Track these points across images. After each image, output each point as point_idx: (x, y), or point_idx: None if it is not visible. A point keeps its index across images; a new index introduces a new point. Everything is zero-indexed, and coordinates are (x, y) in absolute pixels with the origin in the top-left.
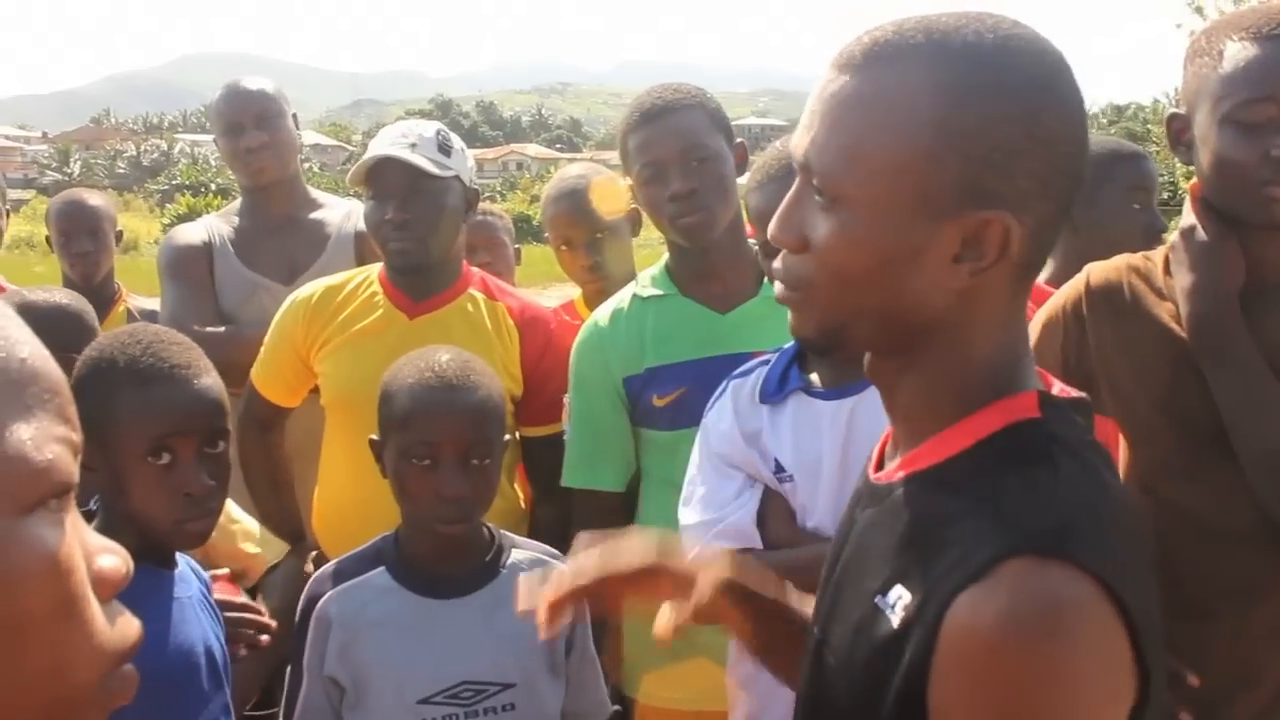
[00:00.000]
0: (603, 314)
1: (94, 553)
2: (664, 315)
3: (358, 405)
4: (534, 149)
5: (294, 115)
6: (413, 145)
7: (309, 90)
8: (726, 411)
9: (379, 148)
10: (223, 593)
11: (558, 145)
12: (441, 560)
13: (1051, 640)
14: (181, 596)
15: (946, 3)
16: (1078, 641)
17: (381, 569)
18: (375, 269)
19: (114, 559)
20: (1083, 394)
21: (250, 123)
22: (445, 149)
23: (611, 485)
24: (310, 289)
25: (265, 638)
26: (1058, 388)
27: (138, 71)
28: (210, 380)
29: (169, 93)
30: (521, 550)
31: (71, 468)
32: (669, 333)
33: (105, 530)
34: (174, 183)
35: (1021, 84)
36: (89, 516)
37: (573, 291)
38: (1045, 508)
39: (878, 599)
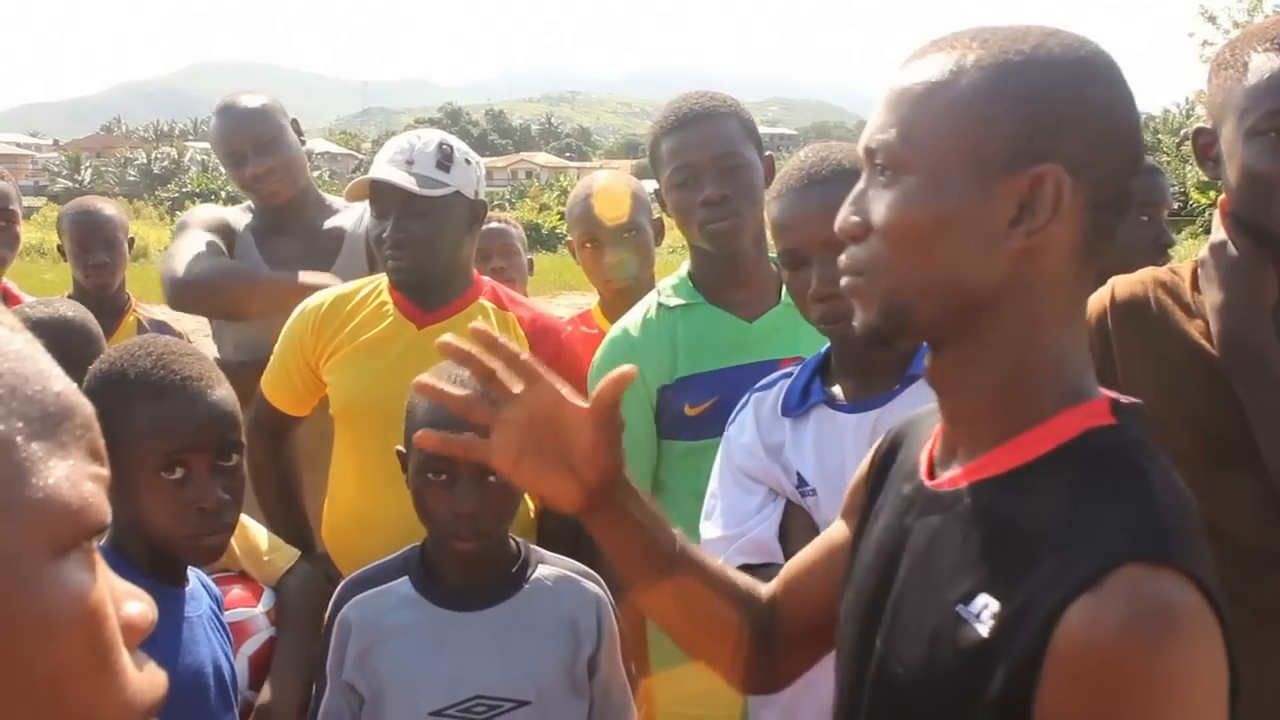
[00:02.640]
0: (632, 322)
1: (121, 598)
2: (693, 324)
3: (365, 415)
4: (543, 157)
5: (294, 122)
6: (409, 162)
7: (319, 98)
8: (748, 425)
9: (378, 165)
10: (240, 601)
11: (567, 154)
12: (463, 572)
13: (1171, 646)
14: (191, 616)
15: (956, 14)
16: (1193, 645)
17: (404, 578)
18: (385, 278)
19: (140, 605)
20: (1137, 400)
21: (250, 149)
22: (444, 164)
23: None
24: (320, 297)
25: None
26: (1104, 393)
27: (148, 79)
28: (223, 392)
29: (180, 100)
30: (549, 566)
31: (106, 506)
32: (699, 342)
33: (115, 546)
34: (184, 190)
35: (1062, 56)
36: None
37: (583, 301)
38: (1144, 514)
39: (959, 608)
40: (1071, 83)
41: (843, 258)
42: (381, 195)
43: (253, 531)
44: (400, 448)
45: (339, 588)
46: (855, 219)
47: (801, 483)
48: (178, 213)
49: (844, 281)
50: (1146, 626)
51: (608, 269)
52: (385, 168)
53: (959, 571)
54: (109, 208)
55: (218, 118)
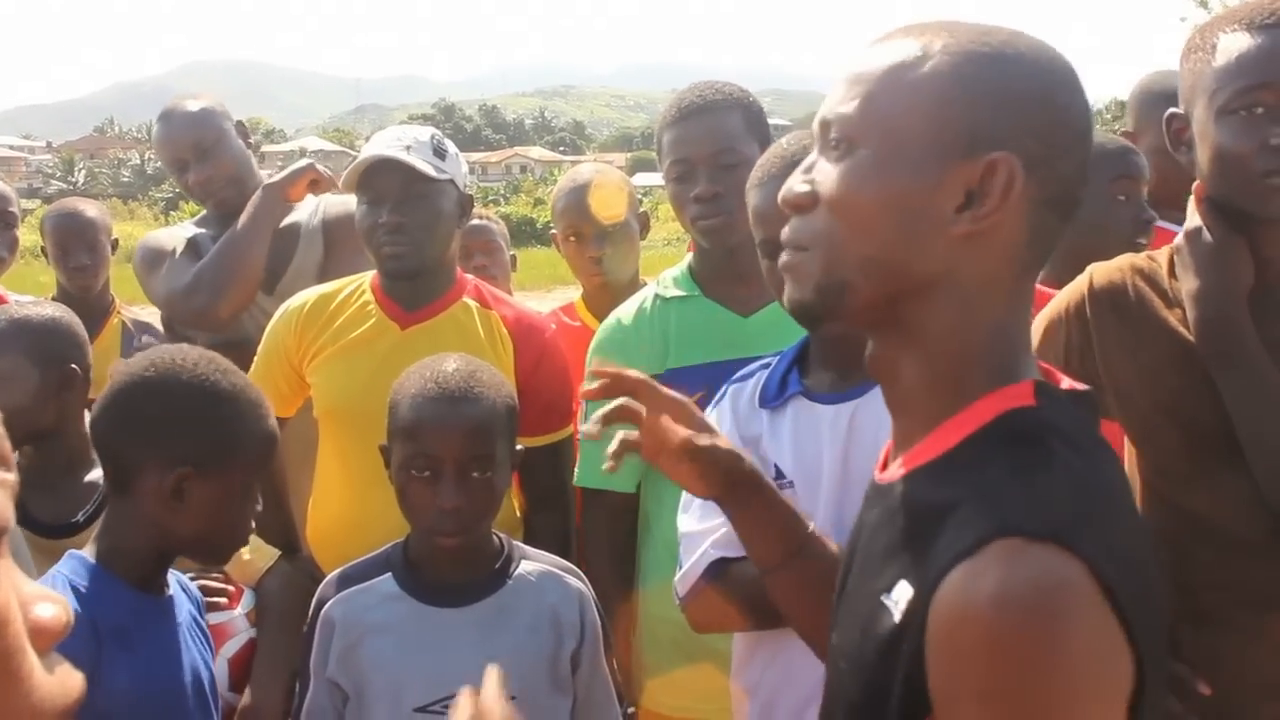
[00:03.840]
0: (626, 312)
1: (30, 601)
2: (686, 316)
3: (350, 416)
4: (537, 152)
5: (239, 124)
6: (408, 148)
7: (312, 96)
8: (725, 416)
9: (373, 150)
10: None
11: (561, 148)
12: (447, 568)
13: (1043, 618)
14: (172, 623)
15: (953, 5)
16: (1069, 621)
17: (388, 575)
18: (368, 277)
19: (53, 608)
20: (1087, 387)
21: (191, 156)
22: (440, 153)
23: (623, 486)
24: (302, 298)
25: (225, 600)
26: (1066, 384)
27: (141, 80)
28: None
29: None
30: (531, 561)
31: (8, 511)
32: (691, 334)
33: (112, 551)
34: (178, 191)
35: (1030, 55)
36: (74, 529)
37: (576, 295)
38: (1035, 491)
39: (883, 597)
40: (1036, 81)
41: (785, 231)
42: (379, 179)
43: None
44: (383, 443)
45: (321, 585)
46: (804, 188)
47: (779, 475)
48: (172, 213)
49: (784, 257)
50: (1017, 599)
51: (590, 263)
52: (388, 150)
53: (886, 561)
54: (90, 210)
55: (159, 124)
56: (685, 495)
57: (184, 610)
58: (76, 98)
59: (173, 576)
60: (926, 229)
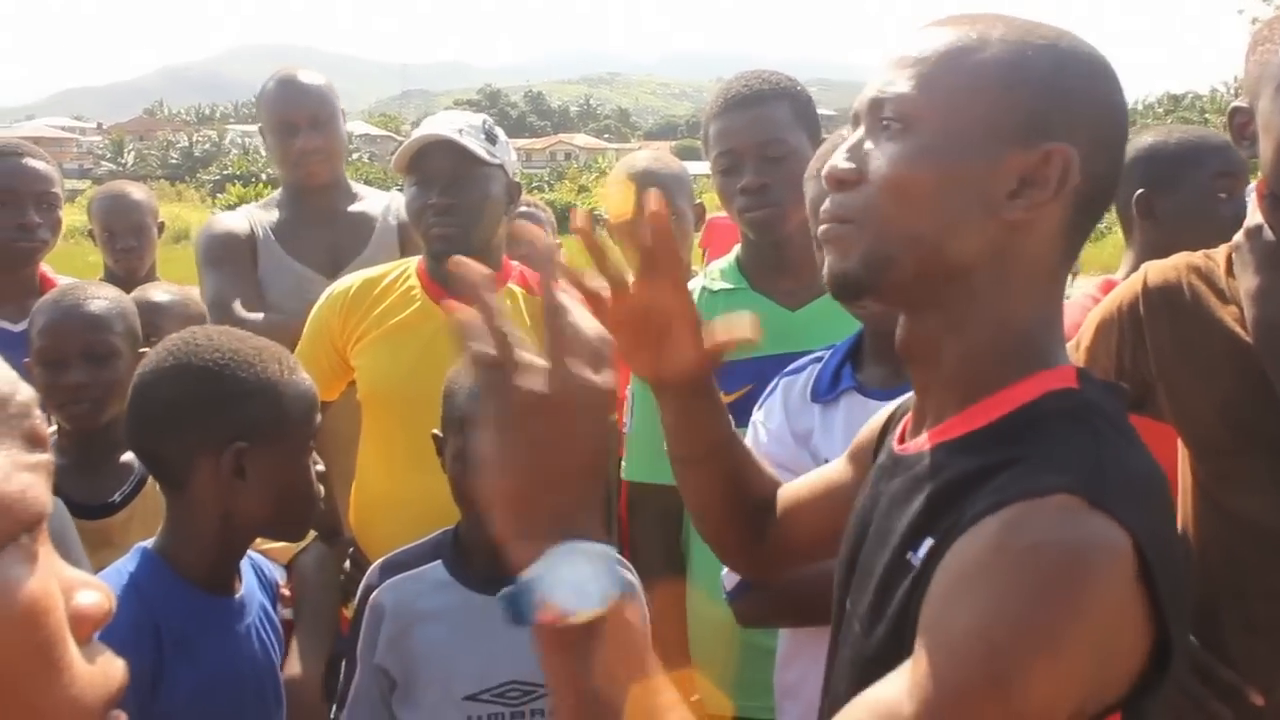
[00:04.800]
0: None
1: (72, 588)
2: (733, 309)
3: (393, 400)
4: (582, 139)
5: (342, 111)
6: (460, 130)
7: (358, 81)
8: (777, 410)
9: (426, 130)
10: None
11: (606, 135)
12: (498, 557)
13: (1083, 567)
14: (240, 625)
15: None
16: (1105, 581)
17: (438, 562)
18: (414, 262)
19: (95, 594)
20: (1119, 383)
21: (305, 123)
22: (491, 138)
23: (672, 480)
24: (348, 281)
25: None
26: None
27: (189, 64)
28: None
29: (220, 84)
30: None
31: (45, 497)
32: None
33: (177, 550)
34: (225, 173)
35: (1080, 50)
36: (110, 509)
37: None
38: (1086, 462)
39: (909, 555)
40: (1091, 77)
41: (826, 204)
42: (430, 160)
43: None
44: (437, 431)
45: (369, 571)
46: (850, 165)
47: None
48: (219, 195)
49: (824, 228)
50: (1067, 542)
51: None
52: (442, 130)
53: (909, 524)
54: (137, 192)
55: (277, 86)
56: None
57: (254, 607)
58: (126, 80)
59: (248, 563)
60: (978, 211)
